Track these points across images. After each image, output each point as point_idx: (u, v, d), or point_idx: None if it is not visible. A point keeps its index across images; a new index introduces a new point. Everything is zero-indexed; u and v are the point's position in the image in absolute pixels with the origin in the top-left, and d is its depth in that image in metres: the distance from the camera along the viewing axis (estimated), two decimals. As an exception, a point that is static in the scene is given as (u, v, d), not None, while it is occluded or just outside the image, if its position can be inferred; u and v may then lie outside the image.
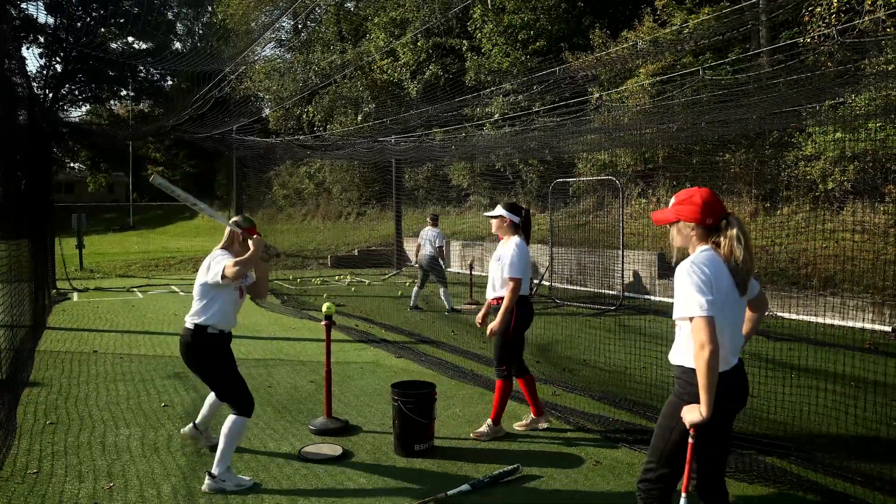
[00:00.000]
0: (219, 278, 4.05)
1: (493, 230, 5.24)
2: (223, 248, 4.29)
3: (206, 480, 4.12)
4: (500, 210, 5.15)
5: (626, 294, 12.24)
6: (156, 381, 6.75)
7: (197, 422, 4.84)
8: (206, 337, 4.18)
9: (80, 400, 6.09)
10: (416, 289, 11.46)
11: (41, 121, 11.18)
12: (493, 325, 4.96)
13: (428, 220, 11.66)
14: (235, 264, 4.01)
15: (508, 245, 5.04)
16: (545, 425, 5.23)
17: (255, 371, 7.16)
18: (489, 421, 5.08)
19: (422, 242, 11.27)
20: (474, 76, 19.93)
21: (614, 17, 19.26)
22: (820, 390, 5.78)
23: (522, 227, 5.15)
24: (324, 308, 5.46)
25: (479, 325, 5.34)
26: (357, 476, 4.36)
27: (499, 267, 5.02)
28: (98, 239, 29.53)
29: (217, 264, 4.12)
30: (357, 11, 29.80)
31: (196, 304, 4.22)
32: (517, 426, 5.25)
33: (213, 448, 4.44)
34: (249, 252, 4.07)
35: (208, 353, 4.22)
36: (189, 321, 4.22)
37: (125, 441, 4.99)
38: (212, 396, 4.72)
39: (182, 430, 4.94)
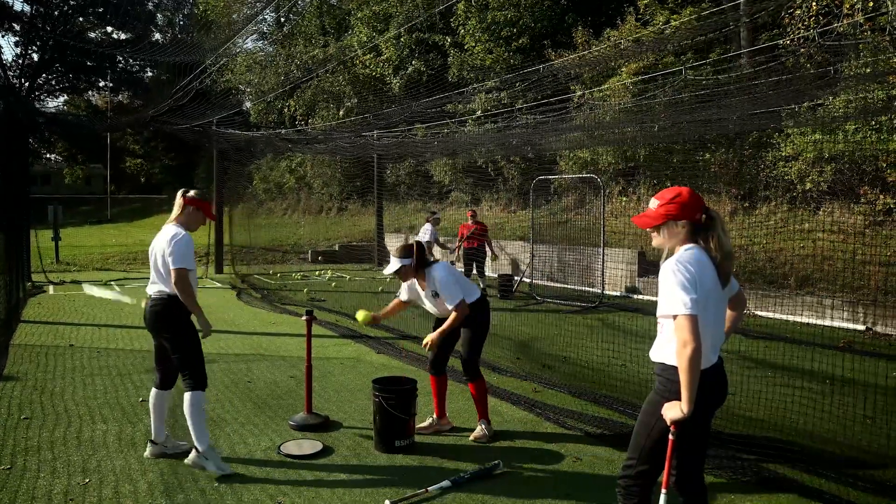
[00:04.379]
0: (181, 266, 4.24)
1: (405, 280, 4.95)
2: (178, 222, 4.40)
3: (192, 455, 4.28)
4: (396, 263, 4.79)
5: (606, 291, 12.32)
6: (133, 376, 6.67)
7: (153, 437, 4.56)
8: (178, 304, 4.28)
9: (55, 394, 6.00)
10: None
11: (17, 110, 10.97)
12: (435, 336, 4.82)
13: (427, 216, 11.73)
14: (187, 293, 4.23)
15: (433, 275, 4.80)
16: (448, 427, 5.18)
17: (234, 366, 7.10)
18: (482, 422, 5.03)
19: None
20: (457, 72, 19.92)
21: (597, 16, 19.34)
22: (796, 388, 5.86)
23: (419, 259, 4.82)
24: (359, 317, 5.04)
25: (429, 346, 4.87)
26: (337, 472, 4.35)
27: (440, 301, 4.81)
28: (75, 231, 29.08)
29: (181, 256, 4.22)
30: (340, 5, 29.63)
31: (165, 277, 4.32)
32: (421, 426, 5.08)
33: (186, 453, 4.40)
34: (200, 316, 4.35)
35: (180, 320, 4.33)
36: (158, 292, 4.32)
37: (101, 436, 4.92)
38: (153, 398, 4.50)
39: (146, 454, 4.54)
